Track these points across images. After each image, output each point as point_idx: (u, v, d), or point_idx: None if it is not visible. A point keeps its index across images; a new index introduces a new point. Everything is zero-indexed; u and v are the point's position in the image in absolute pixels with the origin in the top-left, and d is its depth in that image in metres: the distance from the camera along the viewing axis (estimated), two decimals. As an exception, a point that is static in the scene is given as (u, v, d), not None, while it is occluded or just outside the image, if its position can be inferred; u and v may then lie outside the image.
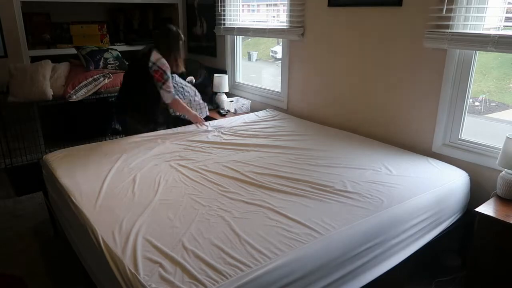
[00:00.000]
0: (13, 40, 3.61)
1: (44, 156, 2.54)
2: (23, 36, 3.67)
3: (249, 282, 1.38)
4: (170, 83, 2.93)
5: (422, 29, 2.45)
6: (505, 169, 2.08)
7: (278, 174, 2.20)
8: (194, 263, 1.44)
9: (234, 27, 3.99)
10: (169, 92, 2.92)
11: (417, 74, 2.57)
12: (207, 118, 3.19)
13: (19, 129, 3.72)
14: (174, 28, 2.99)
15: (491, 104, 2.72)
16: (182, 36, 3.03)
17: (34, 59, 3.71)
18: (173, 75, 3.13)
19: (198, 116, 3.17)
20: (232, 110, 3.93)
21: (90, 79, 3.61)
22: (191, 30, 4.76)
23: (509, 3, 2.19)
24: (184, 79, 4.10)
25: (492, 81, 2.68)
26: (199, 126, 3.12)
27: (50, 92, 3.46)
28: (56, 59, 3.77)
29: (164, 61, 2.88)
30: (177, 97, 3.04)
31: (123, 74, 3.33)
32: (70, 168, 2.29)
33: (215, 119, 3.45)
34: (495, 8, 2.24)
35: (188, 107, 3.16)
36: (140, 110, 3.03)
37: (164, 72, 2.87)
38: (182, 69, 3.09)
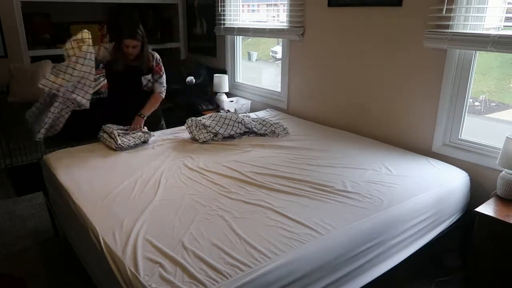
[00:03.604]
0: (13, 40, 3.61)
1: (44, 156, 2.54)
2: (23, 36, 3.67)
3: (249, 282, 1.38)
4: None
5: (422, 29, 2.45)
6: (505, 169, 2.08)
7: (278, 174, 2.20)
8: (194, 263, 1.44)
9: (234, 27, 3.99)
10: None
11: (417, 74, 2.57)
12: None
13: (19, 129, 3.72)
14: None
15: (491, 104, 2.72)
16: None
17: (34, 59, 3.71)
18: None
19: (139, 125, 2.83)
20: (232, 110, 3.93)
21: (90, 79, 3.60)
22: (191, 30, 4.75)
23: (509, 3, 2.19)
24: (184, 79, 4.08)
25: (492, 81, 2.68)
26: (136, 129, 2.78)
27: (50, 92, 3.46)
28: (56, 59, 3.76)
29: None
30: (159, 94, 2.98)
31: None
32: (70, 168, 2.29)
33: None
34: (495, 8, 2.24)
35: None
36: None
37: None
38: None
